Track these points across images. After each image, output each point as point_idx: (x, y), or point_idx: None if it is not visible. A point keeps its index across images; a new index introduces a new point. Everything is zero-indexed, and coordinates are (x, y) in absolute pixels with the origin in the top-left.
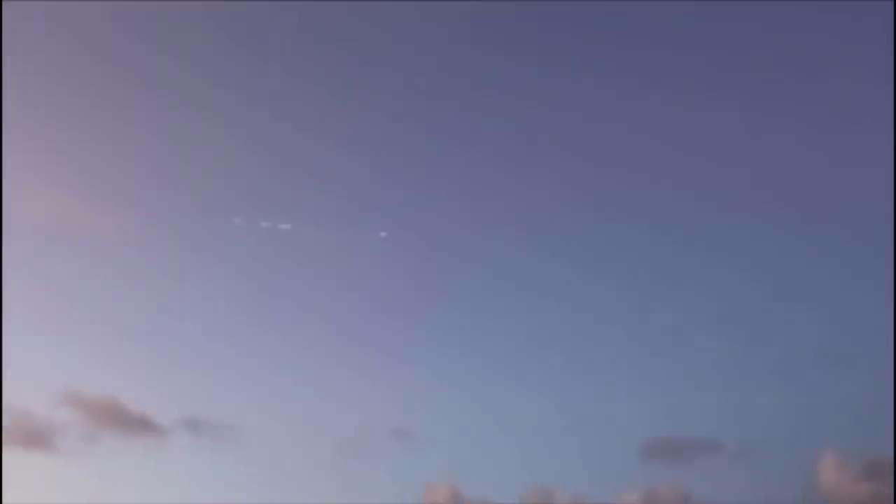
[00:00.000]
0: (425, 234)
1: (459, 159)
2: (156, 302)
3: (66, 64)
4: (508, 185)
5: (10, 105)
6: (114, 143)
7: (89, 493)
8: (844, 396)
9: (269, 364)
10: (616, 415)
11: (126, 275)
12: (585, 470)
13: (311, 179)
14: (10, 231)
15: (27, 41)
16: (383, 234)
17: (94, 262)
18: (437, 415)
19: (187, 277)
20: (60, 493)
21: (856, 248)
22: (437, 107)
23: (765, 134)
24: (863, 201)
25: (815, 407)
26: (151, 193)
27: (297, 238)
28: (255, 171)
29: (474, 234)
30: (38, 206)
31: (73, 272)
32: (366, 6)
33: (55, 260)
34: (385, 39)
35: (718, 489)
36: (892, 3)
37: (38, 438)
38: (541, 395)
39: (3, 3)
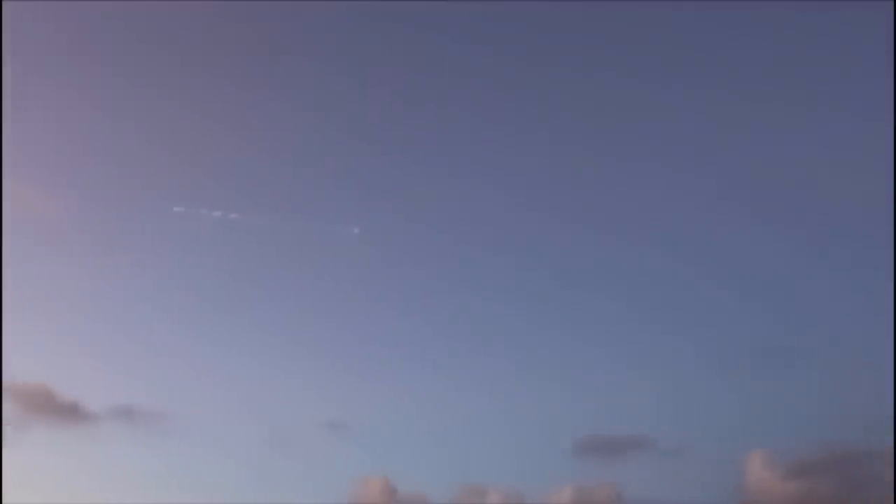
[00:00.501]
0: (369, 228)
1: (403, 160)
2: (89, 288)
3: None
4: (449, 183)
5: None
6: (68, 125)
7: (19, 482)
8: (780, 396)
9: (205, 353)
10: (551, 412)
11: (60, 260)
12: (519, 466)
13: (263, 169)
14: None
15: None
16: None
17: (27, 245)
18: (374, 408)
19: (123, 264)
20: None
21: (800, 248)
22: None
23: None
24: (815, 202)
25: (749, 406)
26: (90, 176)
27: (244, 228)
28: (209, 160)
29: (412, 230)
30: None
31: (4, 255)
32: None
33: None
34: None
35: (650, 487)
36: (892, 3)
37: None
38: (476, 391)
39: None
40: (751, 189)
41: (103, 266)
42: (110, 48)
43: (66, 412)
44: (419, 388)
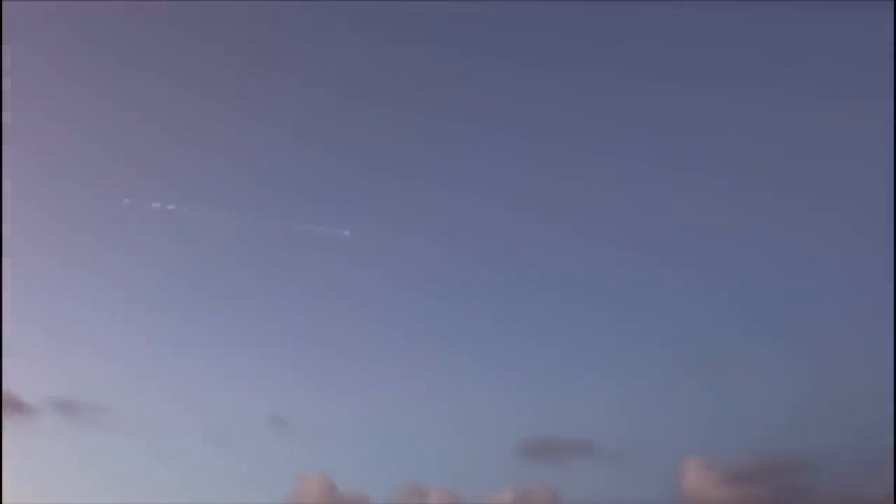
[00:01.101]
0: (313, 222)
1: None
2: (27, 278)
3: None
4: (394, 181)
5: None
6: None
7: None
8: (720, 403)
9: (147, 347)
10: (495, 413)
11: None
12: (461, 467)
13: (206, 162)
14: None
15: None
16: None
17: None
18: (317, 405)
19: (63, 257)
20: None
21: (733, 257)
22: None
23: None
24: (749, 212)
25: (690, 412)
26: (31, 166)
27: (185, 221)
28: (142, 151)
29: (356, 226)
30: None
31: None
32: None
33: None
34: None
35: (591, 491)
36: (892, 4)
37: None
38: (420, 391)
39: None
40: (689, 205)
41: (44, 258)
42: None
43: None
44: (363, 386)
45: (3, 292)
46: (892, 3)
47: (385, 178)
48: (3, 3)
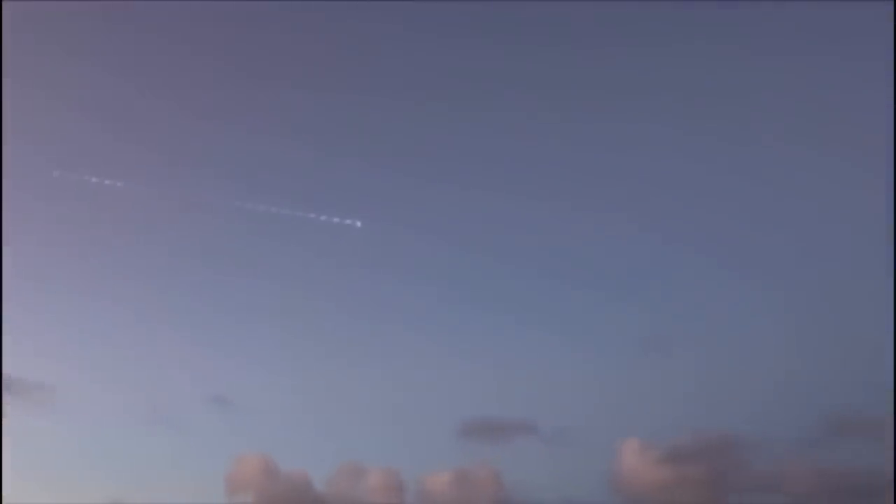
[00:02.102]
0: (258, 201)
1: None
2: None
3: None
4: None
5: None
6: None
7: None
8: (657, 384)
9: (88, 325)
10: (437, 394)
11: None
12: (402, 447)
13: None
14: None
15: None
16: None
17: None
18: (259, 384)
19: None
20: None
21: (678, 242)
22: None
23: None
24: (697, 198)
25: (628, 393)
26: None
27: (127, 197)
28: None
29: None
30: None
31: None
32: None
33: None
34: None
35: (531, 471)
36: (892, 4)
37: None
38: (363, 371)
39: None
40: (636, 193)
41: None
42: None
43: None
44: (306, 365)
45: None
46: (892, 4)
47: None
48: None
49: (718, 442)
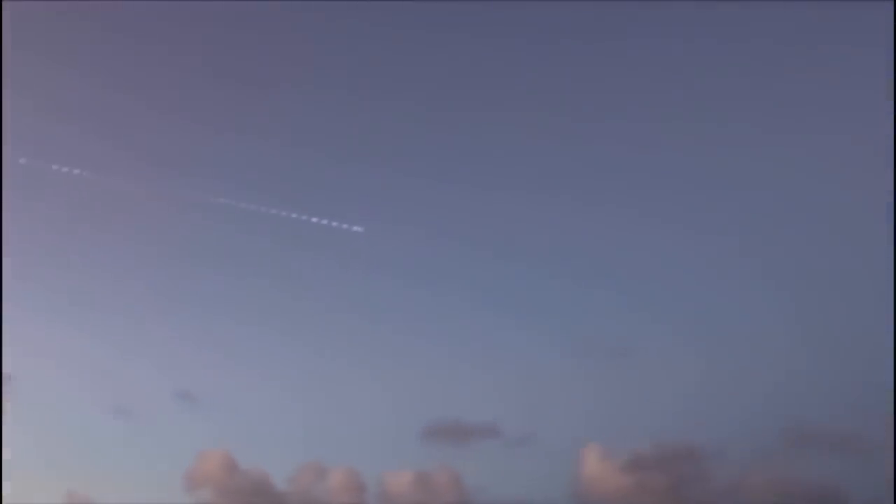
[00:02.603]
0: (236, 198)
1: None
2: None
3: None
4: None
5: None
6: None
7: None
8: (621, 392)
9: (54, 318)
10: (402, 396)
11: None
12: (365, 448)
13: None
14: None
15: None
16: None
17: None
18: (224, 381)
19: None
20: None
21: (632, 252)
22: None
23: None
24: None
25: (593, 400)
26: None
27: (96, 188)
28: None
29: (268, 206)
30: None
31: None
32: None
33: None
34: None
35: (493, 475)
36: (892, 4)
37: None
38: (329, 372)
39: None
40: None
41: None
42: None
43: None
44: (272, 363)
45: None
46: (892, 4)
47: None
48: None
49: (679, 451)
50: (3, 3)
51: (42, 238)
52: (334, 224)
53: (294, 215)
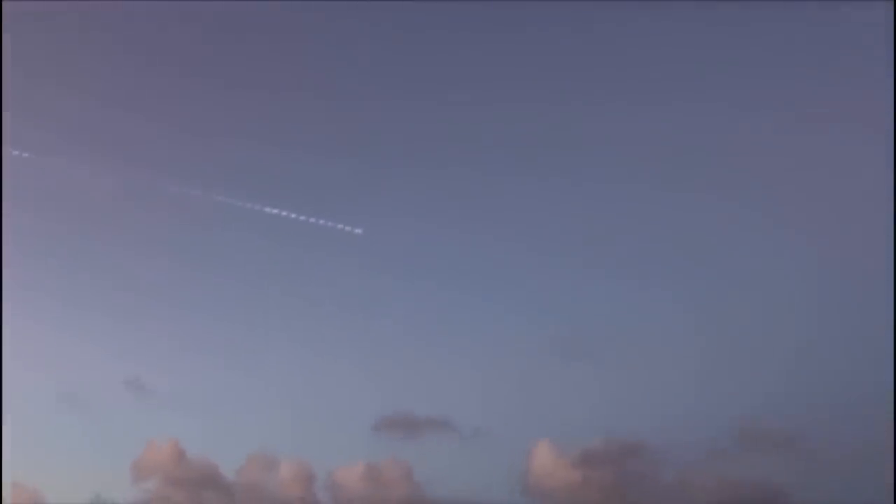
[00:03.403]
0: (178, 181)
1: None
2: None
3: None
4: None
5: None
6: None
7: None
8: (573, 388)
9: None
10: (353, 388)
11: None
12: (315, 440)
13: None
14: None
15: None
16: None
17: None
18: (177, 371)
19: None
20: None
21: (592, 249)
22: None
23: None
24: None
25: (545, 395)
26: None
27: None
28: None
29: (228, 194)
30: None
31: None
32: None
33: None
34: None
35: (445, 468)
36: (892, 4)
37: None
38: (281, 363)
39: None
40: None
41: None
42: None
43: None
44: (224, 354)
45: None
46: (892, 4)
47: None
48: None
49: (629, 447)
50: (3, 3)
51: None
52: (293, 216)
53: (250, 205)
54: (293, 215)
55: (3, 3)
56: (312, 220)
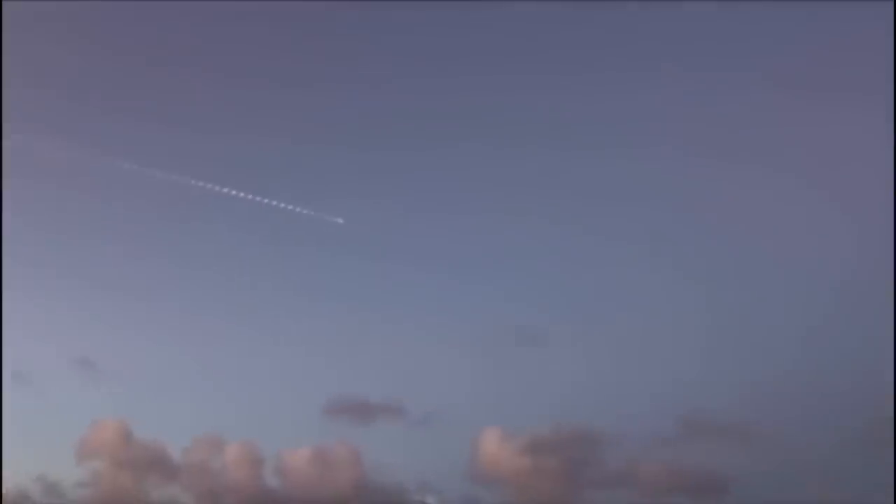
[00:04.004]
0: (135, 162)
1: None
2: None
3: None
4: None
5: None
6: None
7: None
8: (524, 375)
9: None
10: (304, 371)
11: None
12: (264, 422)
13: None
14: None
15: None
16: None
17: None
18: (127, 350)
19: None
20: None
21: (542, 238)
22: None
23: None
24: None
25: (500, 381)
26: None
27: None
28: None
29: (183, 175)
30: None
31: None
32: None
33: None
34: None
35: (394, 452)
36: (892, 4)
37: None
38: (232, 344)
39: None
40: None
41: None
42: None
43: None
44: (174, 334)
45: None
46: (892, 4)
47: None
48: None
49: (577, 435)
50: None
51: None
52: (241, 195)
53: (202, 185)
54: (242, 195)
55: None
56: (257, 199)
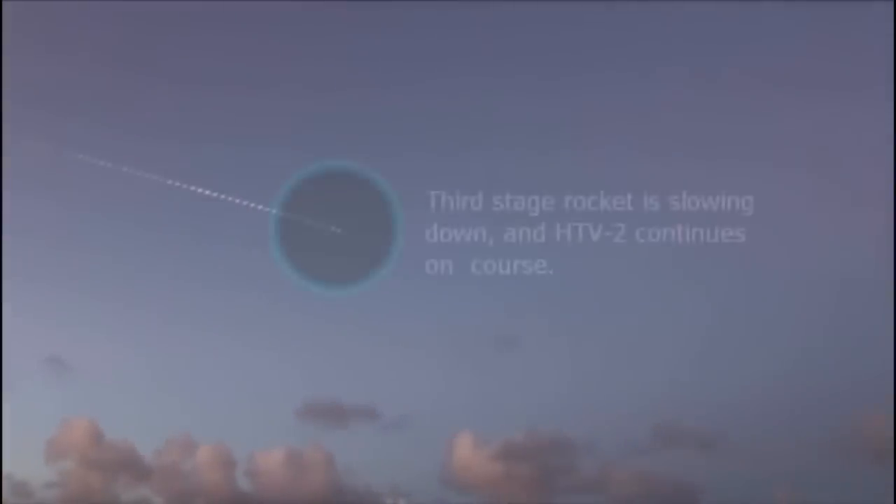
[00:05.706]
0: (103, 157)
1: None
2: None
3: None
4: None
5: None
6: None
7: None
8: (499, 380)
9: None
10: (277, 373)
11: None
12: (236, 424)
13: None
14: None
15: None
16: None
17: None
18: (99, 348)
19: None
20: None
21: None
22: None
23: None
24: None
25: (473, 388)
26: None
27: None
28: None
29: (156, 173)
30: None
31: None
32: None
33: None
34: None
35: (366, 457)
36: (892, 4)
37: None
38: (207, 344)
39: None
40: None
41: None
42: None
43: None
44: (147, 334)
45: None
46: (892, 4)
47: None
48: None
49: (551, 442)
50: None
51: None
52: (214, 195)
53: (175, 184)
54: (216, 195)
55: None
56: (230, 199)
